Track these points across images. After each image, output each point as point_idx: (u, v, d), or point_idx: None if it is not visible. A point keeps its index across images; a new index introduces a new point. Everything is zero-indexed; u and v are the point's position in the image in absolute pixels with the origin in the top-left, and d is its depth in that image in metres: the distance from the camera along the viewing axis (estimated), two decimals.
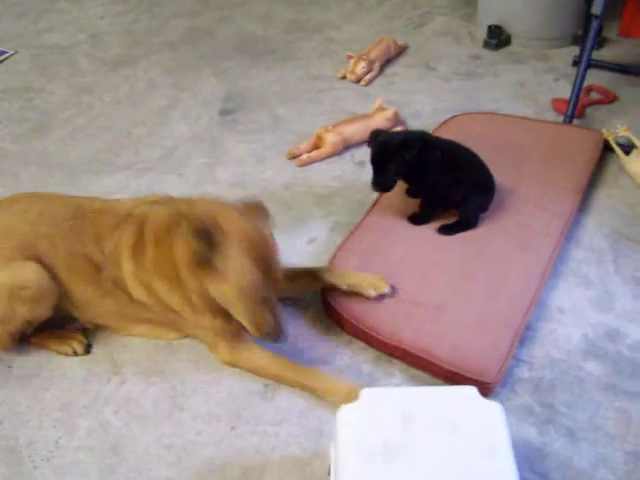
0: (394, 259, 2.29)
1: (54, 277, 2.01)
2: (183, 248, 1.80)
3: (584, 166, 2.65)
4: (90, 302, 2.06)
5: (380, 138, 2.33)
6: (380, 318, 2.09)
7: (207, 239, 1.72)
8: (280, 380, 1.98)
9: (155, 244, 1.90)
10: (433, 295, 2.15)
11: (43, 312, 2.03)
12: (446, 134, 2.62)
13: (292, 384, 1.97)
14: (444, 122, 2.94)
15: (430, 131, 2.76)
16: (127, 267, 1.95)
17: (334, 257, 2.30)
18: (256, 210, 1.91)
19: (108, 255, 1.97)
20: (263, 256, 1.81)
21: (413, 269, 2.24)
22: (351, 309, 2.12)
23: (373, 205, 2.53)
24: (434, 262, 2.27)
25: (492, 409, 1.50)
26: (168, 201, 2.01)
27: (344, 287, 2.13)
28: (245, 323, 1.85)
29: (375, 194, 2.56)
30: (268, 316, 1.83)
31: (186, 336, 2.12)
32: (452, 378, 1.95)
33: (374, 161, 2.31)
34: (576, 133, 2.86)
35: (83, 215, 2.03)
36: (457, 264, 2.26)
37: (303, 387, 1.96)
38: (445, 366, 1.94)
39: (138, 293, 1.98)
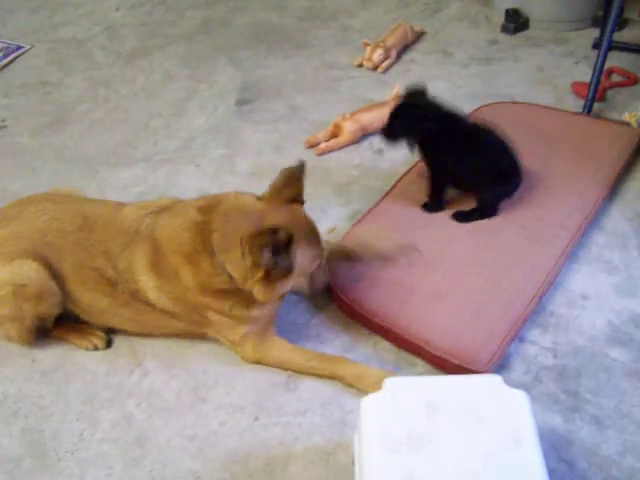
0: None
1: (62, 285, 2.02)
2: (246, 269, 1.76)
3: (613, 163, 2.60)
4: (105, 311, 2.06)
5: (413, 94, 2.37)
6: (377, 302, 2.10)
7: (273, 248, 1.70)
8: (307, 371, 1.98)
9: (186, 262, 1.86)
10: (434, 282, 2.15)
11: (48, 309, 2.03)
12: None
13: (320, 373, 1.96)
14: (475, 110, 2.90)
15: None
16: (149, 283, 1.94)
17: (343, 241, 2.30)
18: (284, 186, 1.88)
19: (122, 272, 1.96)
20: (313, 233, 1.86)
21: (417, 254, 2.22)
22: (350, 292, 2.13)
23: (388, 191, 2.52)
24: (440, 250, 2.26)
25: (517, 397, 1.48)
26: (174, 207, 1.99)
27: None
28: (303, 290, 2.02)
29: (394, 180, 2.55)
30: (321, 275, 1.97)
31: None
32: (442, 365, 1.95)
33: (394, 110, 2.35)
34: (609, 128, 2.80)
35: (90, 227, 2.02)
36: (464, 253, 2.25)
37: (332, 375, 1.95)
38: (436, 352, 1.95)
39: (163, 304, 1.96)
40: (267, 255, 1.71)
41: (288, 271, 1.78)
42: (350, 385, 1.93)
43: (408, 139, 2.34)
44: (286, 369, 2.00)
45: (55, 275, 2.00)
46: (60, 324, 2.13)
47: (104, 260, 1.97)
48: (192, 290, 1.89)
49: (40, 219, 2.04)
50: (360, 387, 1.90)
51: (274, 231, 1.70)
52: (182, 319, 2.00)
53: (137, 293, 1.97)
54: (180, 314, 1.98)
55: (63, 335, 2.15)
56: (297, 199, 1.90)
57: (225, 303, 1.90)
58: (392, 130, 2.35)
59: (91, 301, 2.04)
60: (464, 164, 2.30)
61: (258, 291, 1.80)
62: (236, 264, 1.78)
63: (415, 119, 2.30)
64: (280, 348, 1.99)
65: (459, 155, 2.30)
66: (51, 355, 2.11)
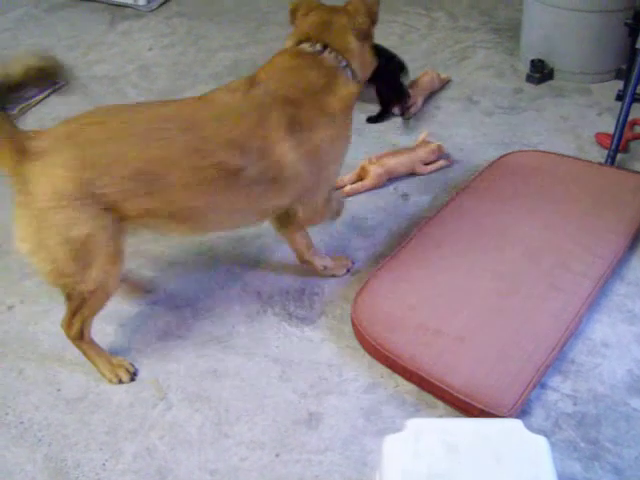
0: (424, 287, 2.34)
1: (169, 200, 1.94)
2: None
3: (635, 214, 2.62)
4: (216, 209, 2.04)
5: None
6: (402, 343, 2.13)
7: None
8: None
9: (327, 90, 2.04)
10: (457, 326, 2.18)
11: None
12: (499, 170, 2.85)
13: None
14: (497, 159, 2.95)
15: (482, 168, 2.91)
16: (285, 146, 1.97)
17: (368, 281, 2.36)
18: None
19: (254, 152, 1.95)
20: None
21: (441, 299, 2.29)
22: (374, 332, 2.17)
23: (413, 236, 2.56)
24: (463, 295, 2.30)
25: (537, 443, 1.50)
26: (266, 73, 2.07)
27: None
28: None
29: (418, 225, 2.61)
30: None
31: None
32: (466, 409, 1.96)
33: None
34: (632, 179, 2.84)
35: (196, 125, 1.94)
36: (486, 298, 2.29)
37: None
38: (459, 396, 1.96)
39: (294, 165, 2.00)
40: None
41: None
42: None
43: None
44: None
45: (160, 191, 1.91)
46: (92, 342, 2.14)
47: (227, 150, 1.93)
48: (336, 112, 2.06)
49: (135, 130, 1.90)
50: None
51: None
52: (296, 185, 2.07)
53: (267, 170, 1.98)
54: (302, 174, 2.04)
55: (93, 354, 2.14)
56: None
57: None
58: None
59: (204, 203, 2.00)
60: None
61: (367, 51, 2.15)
62: (351, 51, 2.10)
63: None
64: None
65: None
66: (76, 385, 2.15)
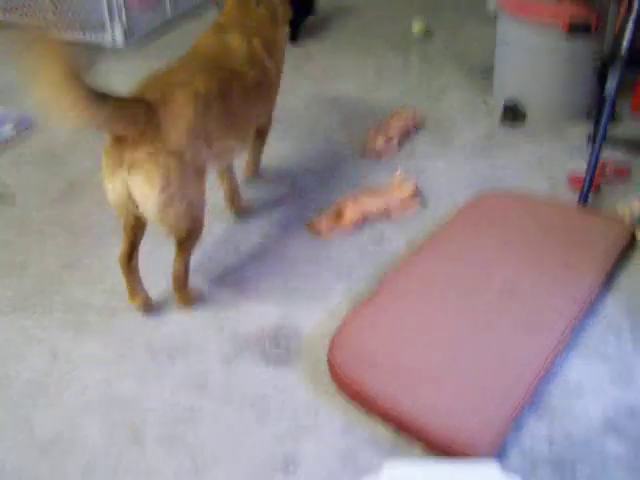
0: (400, 328, 2.35)
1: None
2: None
3: (607, 255, 2.67)
4: (245, 112, 2.64)
5: None
6: (379, 385, 2.13)
7: None
8: None
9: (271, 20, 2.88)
10: (433, 367, 2.19)
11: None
12: (473, 211, 2.89)
13: None
14: (470, 200, 3.00)
15: (456, 209, 2.95)
16: (264, 57, 2.73)
17: (344, 323, 2.37)
18: None
19: (252, 62, 2.67)
20: None
21: (417, 339, 2.30)
22: (350, 373, 2.17)
23: (388, 276, 2.59)
24: (439, 335, 2.32)
25: None
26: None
27: None
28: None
29: (394, 266, 2.62)
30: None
31: None
32: (443, 450, 1.96)
33: None
34: (603, 219, 2.90)
35: (218, 58, 2.61)
36: (462, 338, 2.31)
37: None
38: (436, 437, 1.97)
39: (271, 68, 2.77)
40: None
41: None
42: None
43: None
44: None
45: (227, 109, 2.47)
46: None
47: (240, 65, 2.61)
48: (278, 34, 2.86)
49: (193, 72, 2.47)
50: None
51: None
52: (271, 87, 2.85)
53: (259, 73, 2.68)
54: (274, 75, 2.83)
55: (131, 270, 2.47)
56: None
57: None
58: None
59: (240, 105, 2.57)
60: None
61: None
62: (274, 3, 2.87)
63: None
64: None
65: None
66: (50, 426, 2.12)
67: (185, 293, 2.53)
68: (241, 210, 3.01)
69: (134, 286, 2.50)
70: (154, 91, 2.26)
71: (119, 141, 2.18)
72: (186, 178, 2.23)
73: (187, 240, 2.39)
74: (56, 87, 1.95)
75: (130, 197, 2.22)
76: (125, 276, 2.48)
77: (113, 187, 2.23)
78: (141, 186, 2.17)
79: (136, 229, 2.40)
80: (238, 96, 2.53)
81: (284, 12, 2.93)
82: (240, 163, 3.12)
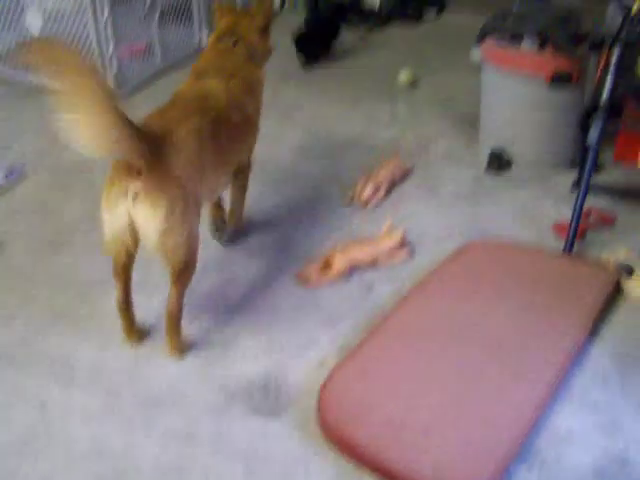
0: (388, 379, 2.36)
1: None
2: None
3: (593, 303, 2.71)
4: (229, 151, 2.73)
5: None
6: (367, 437, 2.13)
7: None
8: None
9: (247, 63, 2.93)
10: (422, 418, 2.20)
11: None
12: (460, 259, 2.92)
13: None
14: (458, 249, 3.04)
15: (444, 257, 2.98)
16: (246, 100, 2.85)
17: (332, 374, 2.37)
18: None
19: (235, 106, 2.75)
20: None
21: (406, 391, 2.31)
22: (340, 426, 2.18)
23: (377, 326, 2.60)
24: (428, 386, 2.33)
25: None
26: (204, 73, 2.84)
27: None
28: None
29: (382, 316, 2.64)
30: None
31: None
32: None
33: None
34: (589, 267, 2.94)
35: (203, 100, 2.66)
36: (451, 389, 2.32)
37: None
38: None
39: (251, 111, 2.87)
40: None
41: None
42: None
43: None
44: None
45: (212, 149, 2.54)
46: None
47: (226, 108, 2.68)
48: (255, 76, 2.93)
49: (181, 113, 2.55)
50: None
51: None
52: (252, 127, 2.92)
53: (241, 116, 2.76)
54: (253, 117, 2.91)
55: (129, 312, 2.55)
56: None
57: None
58: None
59: (226, 144, 2.66)
60: None
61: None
62: (253, 42, 2.92)
63: None
64: None
65: None
66: (38, 478, 2.11)
67: (177, 336, 2.54)
68: (237, 225, 3.21)
69: (130, 325, 2.58)
70: (156, 127, 2.37)
71: (123, 172, 2.26)
72: (188, 208, 2.33)
73: (183, 273, 2.43)
74: (92, 110, 2.02)
75: (131, 227, 2.29)
76: (122, 318, 2.56)
77: (115, 217, 2.29)
78: (146, 214, 2.25)
79: (127, 268, 2.47)
80: (223, 135, 2.61)
81: (263, 51, 2.98)
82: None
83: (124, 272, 2.46)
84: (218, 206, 3.09)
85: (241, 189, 3.12)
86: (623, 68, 3.06)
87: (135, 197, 2.25)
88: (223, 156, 2.65)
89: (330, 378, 2.35)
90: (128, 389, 2.43)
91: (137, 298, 2.59)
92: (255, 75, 2.93)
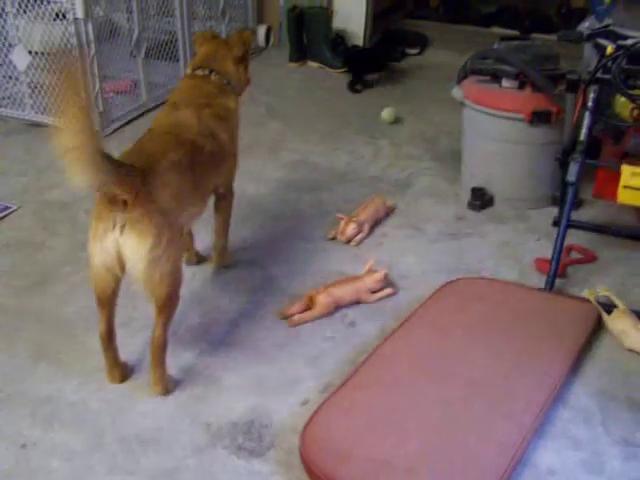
0: (372, 418, 2.36)
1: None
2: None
3: (575, 339, 2.73)
4: (204, 181, 2.74)
5: None
6: (350, 477, 2.13)
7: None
8: None
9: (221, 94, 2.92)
10: (405, 457, 2.19)
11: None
12: (443, 297, 2.94)
13: None
14: (441, 287, 3.05)
15: (427, 295, 2.99)
16: (220, 130, 2.84)
17: (315, 413, 2.37)
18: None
19: (208, 135, 2.75)
20: None
21: (389, 430, 2.30)
22: (323, 465, 2.16)
23: (361, 364, 2.60)
24: (411, 425, 2.32)
25: None
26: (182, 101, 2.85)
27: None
28: None
29: (366, 353, 2.65)
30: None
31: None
32: None
33: None
34: (570, 304, 2.97)
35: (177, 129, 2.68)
36: (434, 427, 2.32)
37: None
38: None
39: (225, 140, 2.84)
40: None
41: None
42: None
43: None
44: None
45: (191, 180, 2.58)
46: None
47: (199, 139, 2.68)
48: (230, 106, 2.92)
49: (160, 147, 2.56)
50: None
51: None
52: (228, 156, 2.90)
53: (216, 146, 2.76)
54: (228, 146, 2.87)
55: (112, 345, 2.56)
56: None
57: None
58: None
59: (200, 174, 2.66)
60: None
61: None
62: (229, 73, 2.93)
63: None
64: None
65: None
66: None
67: (162, 370, 2.53)
68: (225, 260, 3.30)
69: (114, 360, 2.59)
70: (139, 160, 2.41)
71: (110, 205, 2.29)
72: (173, 238, 2.38)
73: (167, 304, 2.46)
74: (78, 150, 2.07)
75: (118, 257, 2.33)
76: (106, 352, 2.56)
77: (102, 249, 2.33)
78: (133, 244, 2.30)
79: (112, 299, 2.49)
80: (199, 165, 2.64)
81: (240, 81, 2.98)
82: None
83: (109, 302, 2.49)
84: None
85: (225, 218, 3.16)
86: (600, 107, 3.13)
87: (122, 228, 2.30)
88: (200, 183, 2.69)
89: (313, 417, 2.34)
90: (111, 427, 2.41)
91: (120, 338, 2.58)
92: (229, 104, 2.92)
